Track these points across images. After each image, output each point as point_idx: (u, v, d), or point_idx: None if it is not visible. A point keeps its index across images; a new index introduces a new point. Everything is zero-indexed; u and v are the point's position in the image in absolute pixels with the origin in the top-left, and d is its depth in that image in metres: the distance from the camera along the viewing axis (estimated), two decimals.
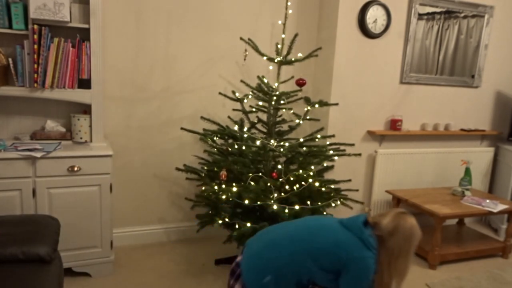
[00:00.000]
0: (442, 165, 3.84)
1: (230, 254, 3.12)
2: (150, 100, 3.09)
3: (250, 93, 2.84)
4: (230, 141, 2.81)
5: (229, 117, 3.23)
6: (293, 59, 2.73)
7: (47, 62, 2.49)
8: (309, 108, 2.73)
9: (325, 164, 2.90)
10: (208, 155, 3.12)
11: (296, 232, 1.81)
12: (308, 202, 2.54)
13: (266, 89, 2.75)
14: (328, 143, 2.95)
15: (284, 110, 2.75)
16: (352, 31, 3.31)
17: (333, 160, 2.86)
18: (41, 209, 2.45)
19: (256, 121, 3.03)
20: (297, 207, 2.47)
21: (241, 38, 2.96)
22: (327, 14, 3.38)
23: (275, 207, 2.41)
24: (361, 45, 3.36)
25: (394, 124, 3.56)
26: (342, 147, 2.94)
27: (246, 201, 2.45)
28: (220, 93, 3.11)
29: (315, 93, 3.55)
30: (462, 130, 3.87)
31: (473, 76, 3.86)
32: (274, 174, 2.59)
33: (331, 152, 2.78)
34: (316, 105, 2.73)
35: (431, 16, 3.56)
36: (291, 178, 2.57)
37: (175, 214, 3.33)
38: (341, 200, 2.70)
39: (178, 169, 2.98)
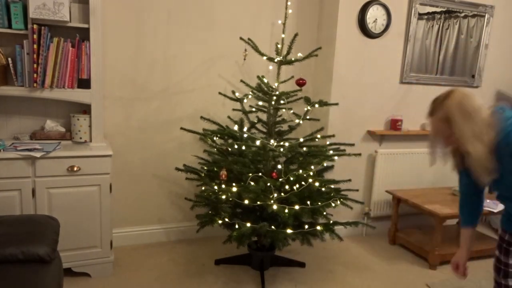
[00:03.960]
0: (442, 165, 3.83)
1: (230, 254, 3.11)
2: (150, 100, 3.08)
3: (250, 93, 2.84)
4: (230, 141, 2.81)
5: (229, 117, 3.23)
6: (293, 59, 2.73)
7: (46, 62, 2.49)
8: (309, 108, 2.72)
9: (325, 164, 2.89)
10: (208, 155, 3.12)
11: None
12: (308, 202, 2.53)
13: (266, 89, 2.74)
14: (328, 143, 2.95)
15: (284, 110, 2.75)
16: (352, 31, 3.30)
17: (333, 160, 2.86)
18: (41, 209, 2.45)
19: (256, 121, 3.02)
20: (297, 207, 2.47)
21: (241, 38, 2.95)
22: (327, 14, 3.38)
23: (275, 207, 2.41)
24: (361, 45, 3.35)
25: (394, 124, 3.55)
26: (342, 147, 2.94)
27: (246, 201, 2.44)
28: (220, 93, 3.11)
29: (315, 93, 3.54)
30: None
31: (473, 76, 3.86)
32: (274, 174, 2.59)
33: (331, 152, 2.78)
34: (316, 105, 2.72)
35: (431, 15, 3.56)
36: (291, 178, 2.57)
37: (175, 214, 3.33)
38: (341, 200, 2.70)
39: (178, 169, 2.98)
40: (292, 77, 3.25)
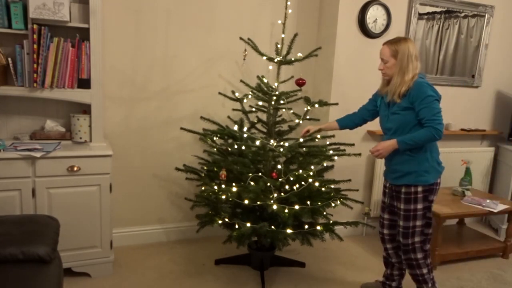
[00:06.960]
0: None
1: (230, 254, 3.11)
2: (150, 100, 3.08)
3: (250, 93, 2.84)
4: (230, 141, 2.81)
5: (228, 117, 3.23)
6: (292, 59, 2.73)
7: (46, 62, 2.49)
8: (309, 108, 2.72)
9: (325, 164, 2.90)
10: (207, 155, 3.12)
11: None
12: (308, 202, 2.53)
13: (265, 89, 2.74)
14: (328, 143, 2.95)
15: (284, 110, 2.75)
16: (352, 31, 3.30)
17: (333, 160, 2.86)
18: (41, 209, 2.45)
19: (256, 121, 3.03)
20: (297, 207, 2.47)
21: (240, 38, 2.95)
22: (327, 14, 3.38)
23: (275, 207, 2.41)
24: (361, 45, 3.35)
25: None
26: (342, 147, 2.93)
27: (246, 201, 2.44)
28: (219, 93, 3.11)
29: (315, 93, 3.54)
30: (462, 130, 3.86)
31: (473, 76, 3.86)
32: (274, 174, 2.59)
33: (331, 152, 2.78)
34: (316, 105, 2.72)
35: (431, 15, 3.56)
36: (291, 178, 2.57)
37: (175, 214, 3.33)
38: (341, 200, 2.70)
39: (177, 169, 2.98)
40: (292, 77, 3.25)
